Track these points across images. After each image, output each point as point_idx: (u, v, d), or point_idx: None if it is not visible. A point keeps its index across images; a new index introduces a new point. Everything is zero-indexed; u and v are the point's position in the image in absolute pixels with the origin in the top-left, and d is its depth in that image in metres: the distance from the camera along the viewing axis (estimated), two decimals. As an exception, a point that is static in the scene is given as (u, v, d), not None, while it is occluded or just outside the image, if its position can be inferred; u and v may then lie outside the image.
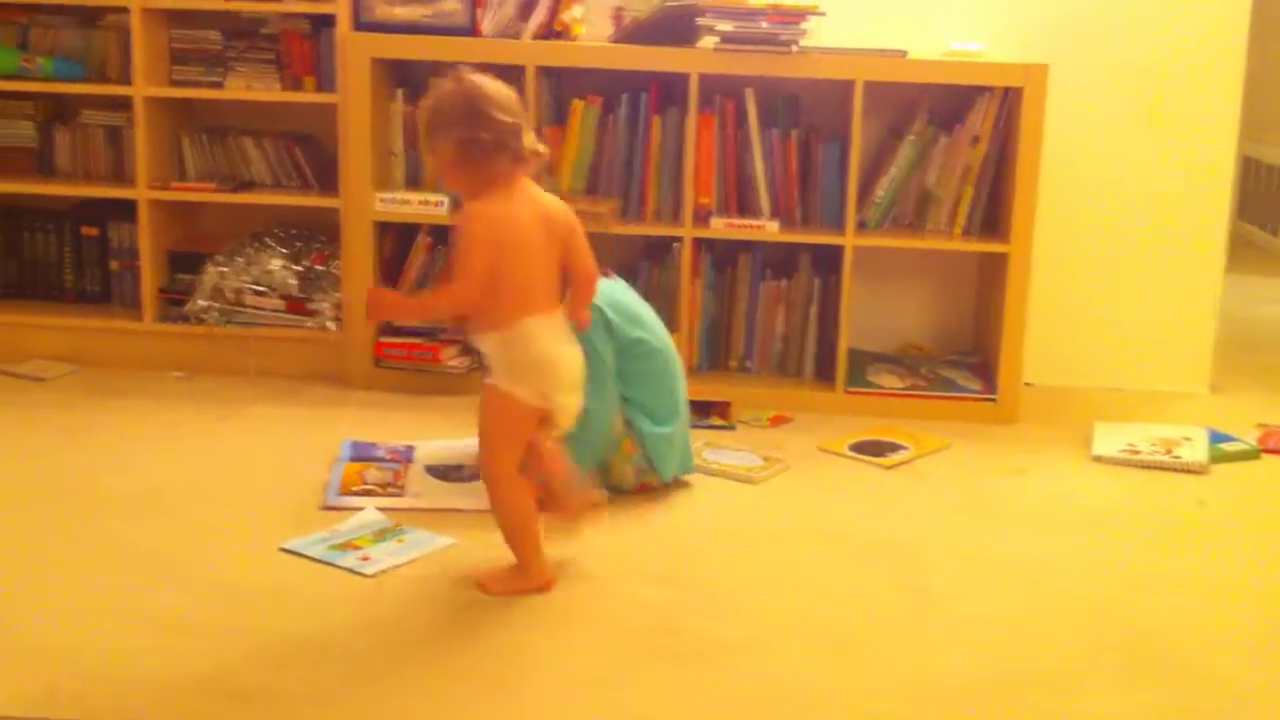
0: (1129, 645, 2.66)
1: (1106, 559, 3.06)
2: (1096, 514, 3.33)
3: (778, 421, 3.90)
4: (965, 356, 4.26)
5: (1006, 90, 3.95)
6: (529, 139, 2.73)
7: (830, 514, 3.27)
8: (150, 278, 4.17)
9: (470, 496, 3.20)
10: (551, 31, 4.03)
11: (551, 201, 2.80)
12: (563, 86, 4.14)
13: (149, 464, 3.41)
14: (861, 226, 4.02)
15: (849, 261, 3.94)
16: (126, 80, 4.13)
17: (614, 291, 3.25)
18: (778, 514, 3.26)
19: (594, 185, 4.11)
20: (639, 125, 4.05)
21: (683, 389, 3.39)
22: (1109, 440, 3.76)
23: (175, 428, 3.68)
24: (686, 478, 3.41)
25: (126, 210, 4.20)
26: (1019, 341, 3.93)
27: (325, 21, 4.08)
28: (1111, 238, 4.24)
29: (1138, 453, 3.68)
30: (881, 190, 4.05)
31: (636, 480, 3.30)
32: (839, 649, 2.60)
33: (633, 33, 4.00)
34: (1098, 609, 2.81)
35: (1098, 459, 3.68)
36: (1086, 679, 2.53)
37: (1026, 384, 4.05)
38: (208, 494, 3.24)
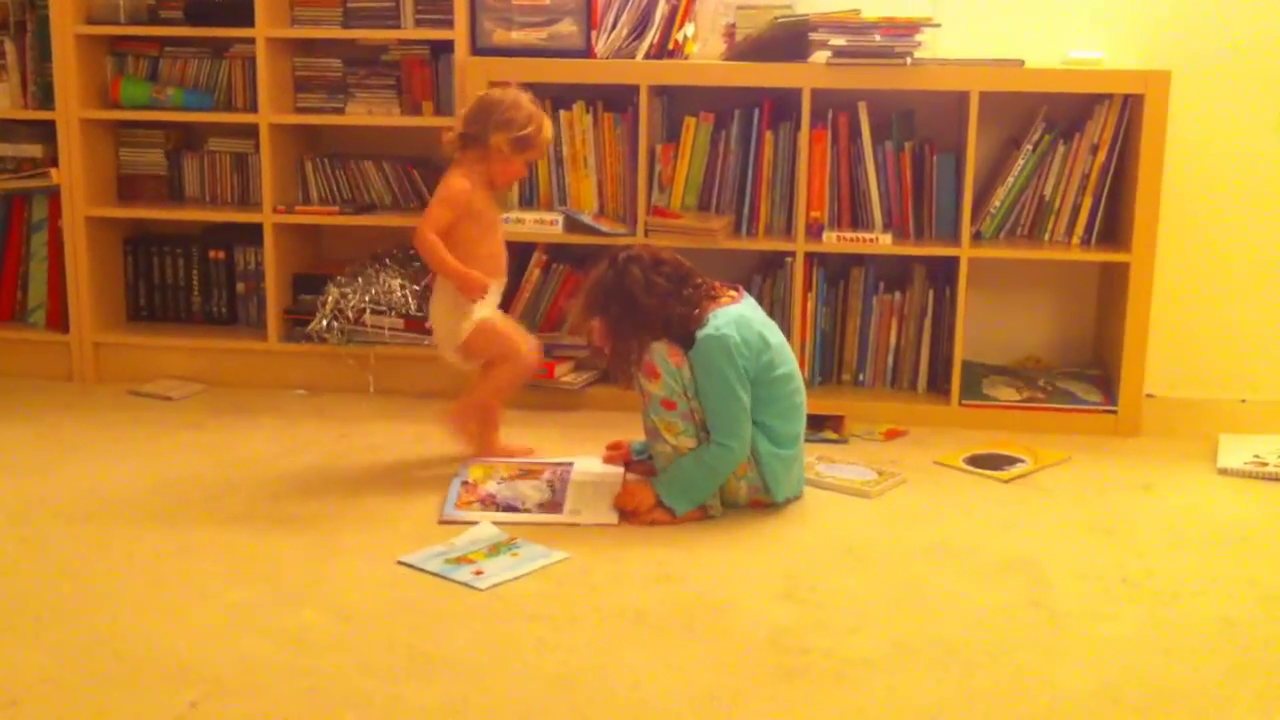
0: (1270, 665, 2.60)
1: (1238, 575, 2.99)
2: (1225, 528, 3.26)
3: (892, 435, 3.87)
4: (1085, 368, 4.19)
5: (1127, 98, 3.89)
6: None
7: (950, 529, 3.23)
8: (275, 299, 4.28)
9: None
10: (664, 50, 4.06)
11: None
12: (676, 104, 4.16)
13: (273, 481, 3.49)
14: (977, 238, 3.99)
15: (964, 273, 3.91)
16: (252, 108, 4.25)
17: (739, 321, 3.24)
18: (896, 529, 3.23)
19: (707, 201, 4.12)
20: (751, 141, 4.06)
21: (804, 411, 3.38)
22: (1234, 452, 3.68)
23: (299, 445, 3.77)
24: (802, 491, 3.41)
25: (252, 234, 4.31)
26: (1141, 352, 3.86)
27: (444, 47, 4.16)
28: (1235, 246, 4.15)
29: (1265, 464, 3.59)
30: (998, 201, 4.01)
31: (749, 497, 3.30)
32: (969, 668, 2.57)
33: (745, 49, 4.01)
34: (1234, 627, 2.74)
35: (1223, 471, 3.60)
36: (1227, 700, 2.47)
37: (1148, 395, 3.97)
38: (330, 509, 3.31)
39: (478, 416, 3.61)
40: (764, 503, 3.31)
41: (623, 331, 3.28)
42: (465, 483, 3.41)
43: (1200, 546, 3.15)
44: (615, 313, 3.28)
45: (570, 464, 3.54)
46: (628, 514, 3.23)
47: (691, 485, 3.22)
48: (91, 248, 4.31)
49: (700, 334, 3.19)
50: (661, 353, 3.20)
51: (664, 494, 3.21)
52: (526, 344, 3.61)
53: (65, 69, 4.20)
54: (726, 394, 3.18)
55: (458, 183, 3.48)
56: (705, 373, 3.18)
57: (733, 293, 3.35)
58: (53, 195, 4.32)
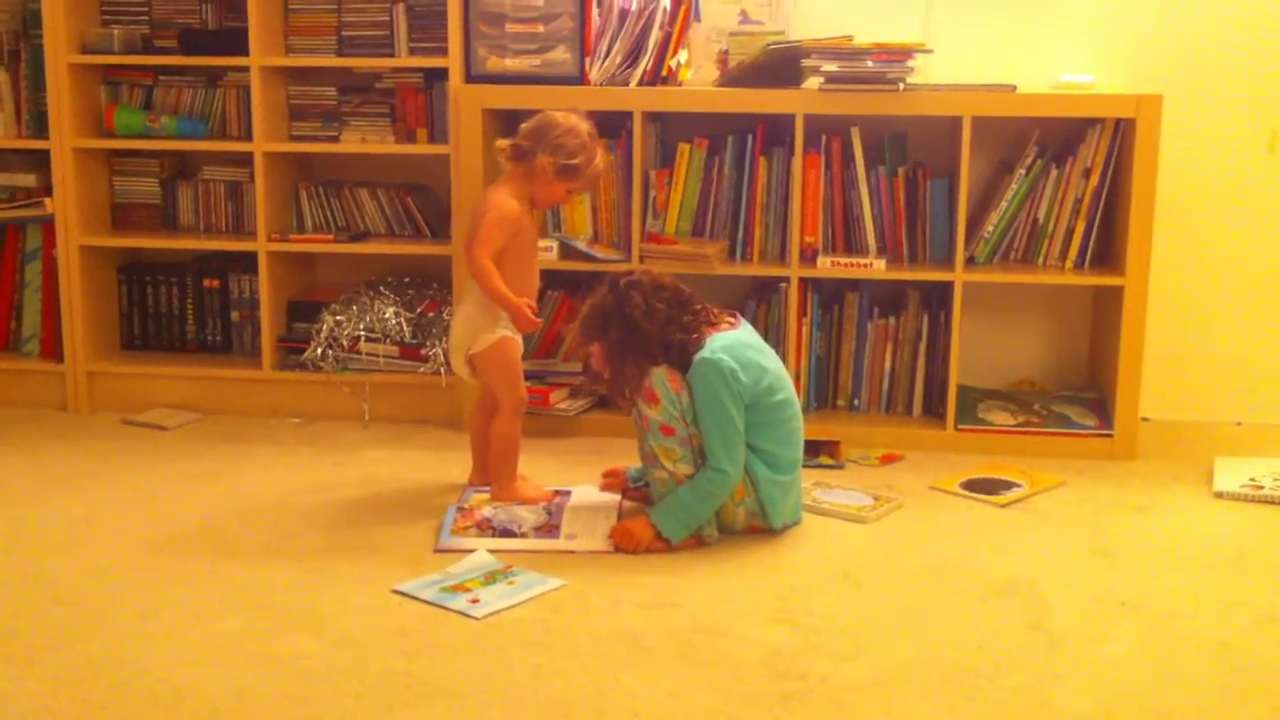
0: (1267, 687, 2.59)
1: (1235, 597, 2.99)
2: (1221, 551, 3.26)
3: (887, 460, 3.87)
4: (1080, 392, 4.19)
5: (1119, 122, 3.91)
6: None
7: (946, 553, 3.23)
8: (269, 327, 4.28)
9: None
10: (658, 77, 4.07)
11: None
12: (669, 130, 4.18)
13: (269, 509, 3.48)
14: (971, 262, 3.99)
15: (958, 297, 3.91)
16: (247, 136, 4.25)
17: (736, 346, 3.25)
18: (892, 553, 3.23)
19: (701, 227, 4.12)
20: (745, 167, 4.07)
21: (801, 437, 3.38)
22: (1230, 475, 3.68)
23: (294, 473, 3.76)
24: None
25: (247, 262, 4.31)
26: (1136, 376, 3.86)
27: (438, 75, 4.16)
28: (1229, 268, 4.16)
29: (1260, 488, 3.59)
30: (991, 225, 4.01)
31: (746, 522, 3.30)
32: (967, 691, 2.56)
33: (738, 76, 4.03)
34: (1230, 649, 2.74)
35: (1219, 495, 3.60)
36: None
37: (1144, 419, 3.96)
38: (325, 537, 3.30)
39: (495, 470, 3.55)
40: (761, 528, 3.30)
41: (622, 356, 3.28)
42: (462, 508, 3.41)
43: (1197, 569, 3.15)
44: (615, 337, 3.28)
45: (568, 492, 3.53)
46: (624, 549, 3.22)
47: (687, 513, 3.21)
48: (85, 277, 4.31)
49: (697, 358, 3.20)
50: (661, 378, 3.20)
51: (660, 524, 3.21)
52: (523, 384, 3.56)
53: (59, 98, 4.21)
54: (722, 418, 3.18)
55: (509, 204, 3.43)
56: (701, 397, 3.18)
57: (730, 319, 3.36)
58: (47, 224, 4.31)
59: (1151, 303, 3.87)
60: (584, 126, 3.45)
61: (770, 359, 3.33)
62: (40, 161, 4.30)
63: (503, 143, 3.51)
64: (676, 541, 3.20)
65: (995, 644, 2.75)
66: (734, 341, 3.26)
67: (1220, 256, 4.16)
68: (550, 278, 4.10)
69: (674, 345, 3.24)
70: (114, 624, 2.82)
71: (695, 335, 3.25)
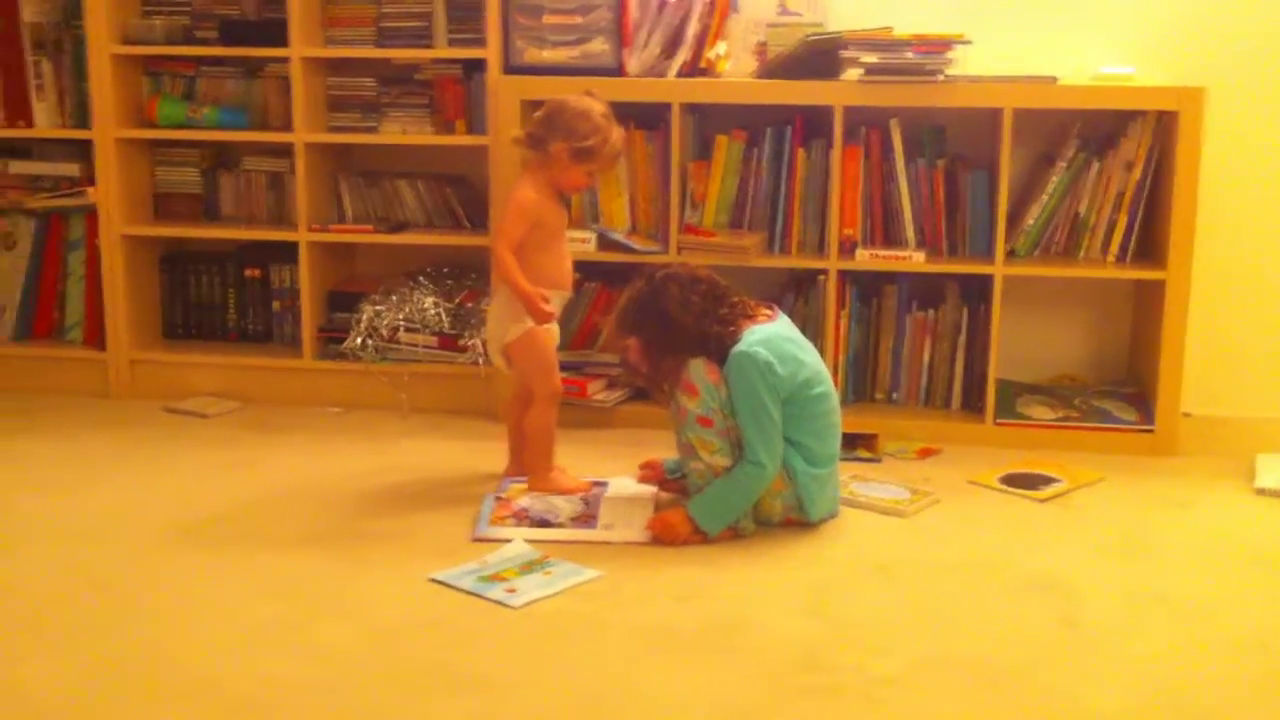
0: (1302, 683, 2.57)
1: (1273, 595, 2.97)
2: (1261, 548, 3.23)
3: (925, 454, 3.85)
4: (1120, 387, 4.16)
5: (1161, 114, 3.87)
6: None
7: (984, 548, 3.22)
8: (310, 317, 4.30)
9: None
10: (696, 69, 4.06)
11: None
12: (707, 122, 4.17)
13: (306, 497, 3.50)
14: (1011, 255, 3.97)
15: (998, 291, 3.89)
16: (287, 127, 4.27)
17: (774, 339, 3.24)
18: (929, 547, 3.22)
19: (739, 219, 4.12)
20: (783, 159, 4.06)
21: (839, 431, 3.37)
22: (1272, 472, 3.64)
23: (332, 462, 3.78)
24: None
25: (287, 252, 4.34)
26: (1177, 371, 3.83)
27: (476, 66, 4.17)
28: (1272, 262, 4.10)
29: (1303, 485, 3.57)
30: (1032, 218, 3.99)
31: (783, 515, 3.29)
32: (1000, 686, 2.55)
33: (776, 67, 4.01)
34: (1268, 647, 2.72)
35: (1261, 491, 3.57)
36: (1260, 717, 2.45)
37: (1185, 414, 3.93)
38: (362, 526, 3.32)
39: (531, 460, 3.56)
40: (798, 521, 3.30)
41: (660, 349, 3.29)
42: (499, 498, 3.42)
43: (1235, 566, 3.12)
44: (652, 331, 3.28)
45: (605, 483, 3.54)
46: (662, 541, 3.22)
47: (725, 506, 3.21)
48: (128, 266, 4.35)
49: (734, 351, 3.19)
50: (700, 370, 3.20)
51: (698, 516, 3.20)
52: (555, 375, 3.55)
53: (102, 88, 4.24)
54: (759, 412, 3.17)
55: (526, 194, 3.44)
56: (738, 390, 3.18)
57: (768, 311, 3.35)
58: (89, 214, 4.36)
59: (1193, 297, 3.84)
60: (597, 108, 3.44)
61: (808, 352, 3.32)
62: (83, 151, 4.34)
63: (517, 133, 3.53)
64: (714, 534, 3.20)
65: (1029, 640, 2.74)
66: (771, 334, 3.25)
67: (1263, 250, 4.10)
68: (588, 269, 4.11)
69: (711, 337, 3.23)
70: (149, 611, 2.84)
71: (732, 328, 3.24)
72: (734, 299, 3.31)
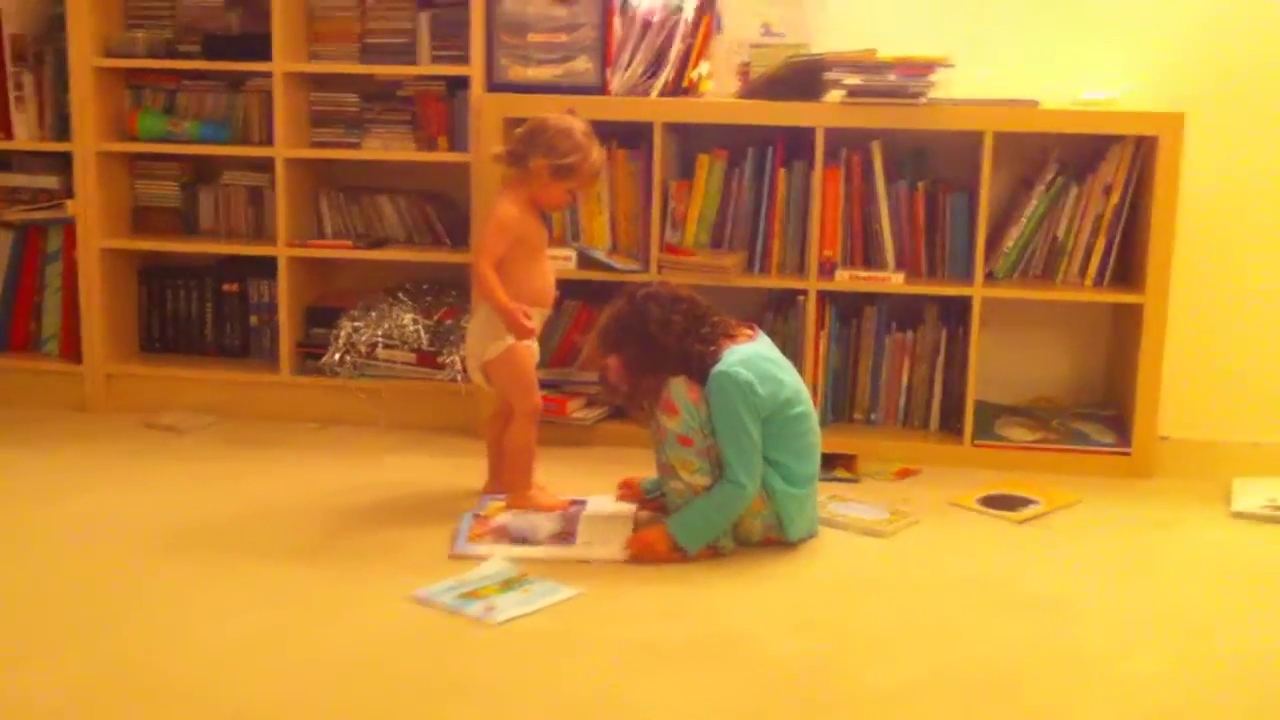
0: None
1: (1259, 615, 2.99)
2: (1242, 570, 3.25)
3: (904, 474, 3.86)
4: (1098, 409, 4.17)
5: (1140, 139, 3.90)
6: None
7: (965, 568, 3.22)
8: (288, 332, 4.29)
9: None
10: (679, 88, 4.08)
11: None
12: (689, 141, 4.18)
13: (286, 512, 3.49)
14: (990, 277, 3.99)
15: (977, 313, 3.91)
16: (268, 142, 4.27)
17: (754, 359, 3.25)
18: (911, 567, 3.23)
19: (719, 239, 4.13)
20: (765, 179, 4.07)
21: (819, 451, 3.37)
22: (1249, 496, 3.66)
23: (310, 477, 3.77)
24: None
25: (266, 267, 4.32)
26: (1154, 394, 3.85)
27: (460, 83, 4.18)
28: (1249, 287, 4.12)
29: (1279, 509, 3.58)
30: (1011, 241, 4.01)
31: (763, 534, 3.29)
32: (988, 706, 2.55)
33: (759, 88, 4.03)
34: (1257, 665, 2.73)
35: (1238, 515, 3.58)
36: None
37: (1162, 437, 3.95)
38: (341, 542, 3.30)
39: (510, 476, 3.56)
40: (777, 540, 3.30)
41: (640, 368, 3.29)
42: (478, 515, 3.41)
43: (1217, 586, 3.14)
44: (633, 350, 3.29)
45: (584, 502, 3.53)
46: (641, 559, 3.21)
47: (705, 524, 3.21)
48: (106, 279, 4.33)
49: (714, 371, 3.20)
50: (680, 389, 3.20)
51: (678, 534, 3.20)
52: (535, 393, 3.54)
53: (83, 101, 4.23)
54: (739, 432, 3.17)
55: (508, 210, 3.45)
56: (718, 409, 3.18)
57: (748, 331, 3.36)
58: (68, 226, 4.34)
59: (1171, 320, 3.86)
60: (578, 126, 3.46)
61: (788, 372, 3.32)
62: (62, 164, 4.32)
63: (497, 149, 3.54)
64: (693, 552, 3.20)
65: (1016, 658, 2.75)
66: (751, 354, 3.26)
67: (1241, 275, 4.13)
68: (568, 287, 4.10)
69: (692, 357, 3.24)
70: (133, 624, 2.82)
71: (713, 348, 3.24)
72: (715, 318, 3.31)
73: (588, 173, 3.49)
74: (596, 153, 3.48)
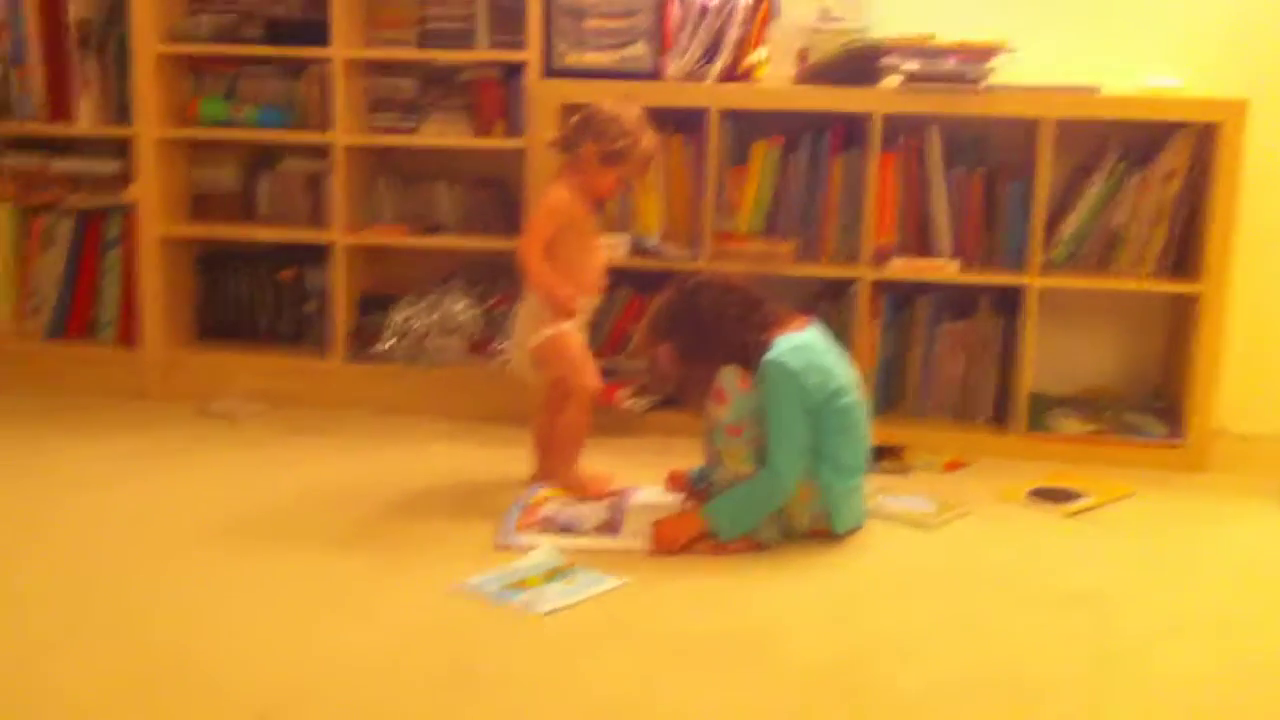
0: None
1: (1303, 614, 2.94)
2: (1291, 567, 3.20)
3: (953, 466, 3.83)
4: (1152, 401, 4.12)
5: (1202, 126, 3.83)
6: None
7: (1012, 562, 3.19)
8: (342, 319, 4.32)
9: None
10: (735, 74, 4.06)
11: None
12: (745, 128, 4.15)
13: (335, 501, 3.52)
14: (1046, 266, 3.94)
15: (1032, 302, 3.86)
16: (327, 127, 4.29)
17: (805, 349, 3.23)
18: (956, 561, 3.20)
19: (773, 225, 4.11)
20: (820, 165, 4.04)
21: (869, 443, 3.36)
22: (1305, 490, 3.61)
23: (360, 465, 3.80)
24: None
25: (322, 254, 4.36)
26: (1211, 386, 3.80)
27: (516, 69, 4.18)
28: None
29: (1337, 504, 3.53)
30: (1068, 229, 3.96)
31: (810, 526, 3.27)
32: (1026, 704, 2.53)
33: (816, 73, 4.00)
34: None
35: (1293, 509, 3.54)
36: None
37: (1217, 430, 3.90)
38: (389, 530, 3.33)
39: (558, 457, 3.58)
40: (824, 531, 3.29)
41: (692, 357, 3.29)
42: (525, 505, 3.42)
43: (1266, 584, 3.10)
44: (685, 339, 3.29)
45: (631, 490, 3.54)
46: (662, 547, 3.20)
47: (739, 511, 3.20)
48: (164, 265, 4.38)
49: (765, 359, 3.19)
50: (731, 378, 3.20)
51: (711, 519, 3.20)
52: (590, 373, 3.55)
53: (145, 87, 4.27)
54: (785, 421, 3.16)
55: (559, 193, 3.47)
56: (768, 398, 3.17)
57: (801, 320, 3.34)
58: (127, 212, 4.39)
59: (1229, 312, 3.80)
60: (630, 112, 3.46)
61: (839, 362, 3.31)
62: (122, 150, 4.37)
63: (551, 135, 3.54)
64: (726, 539, 3.19)
65: (1059, 655, 2.72)
66: (803, 343, 3.24)
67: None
68: (620, 275, 4.10)
69: (744, 346, 3.23)
70: (180, 613, 2.85)
71: (765, 336, 3.23)
72: (767, 307, 3.30)
73: (637, 159, 3.48)
74: (647, 140, 3.47)
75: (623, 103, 3.50)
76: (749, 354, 3.23)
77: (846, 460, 3.27)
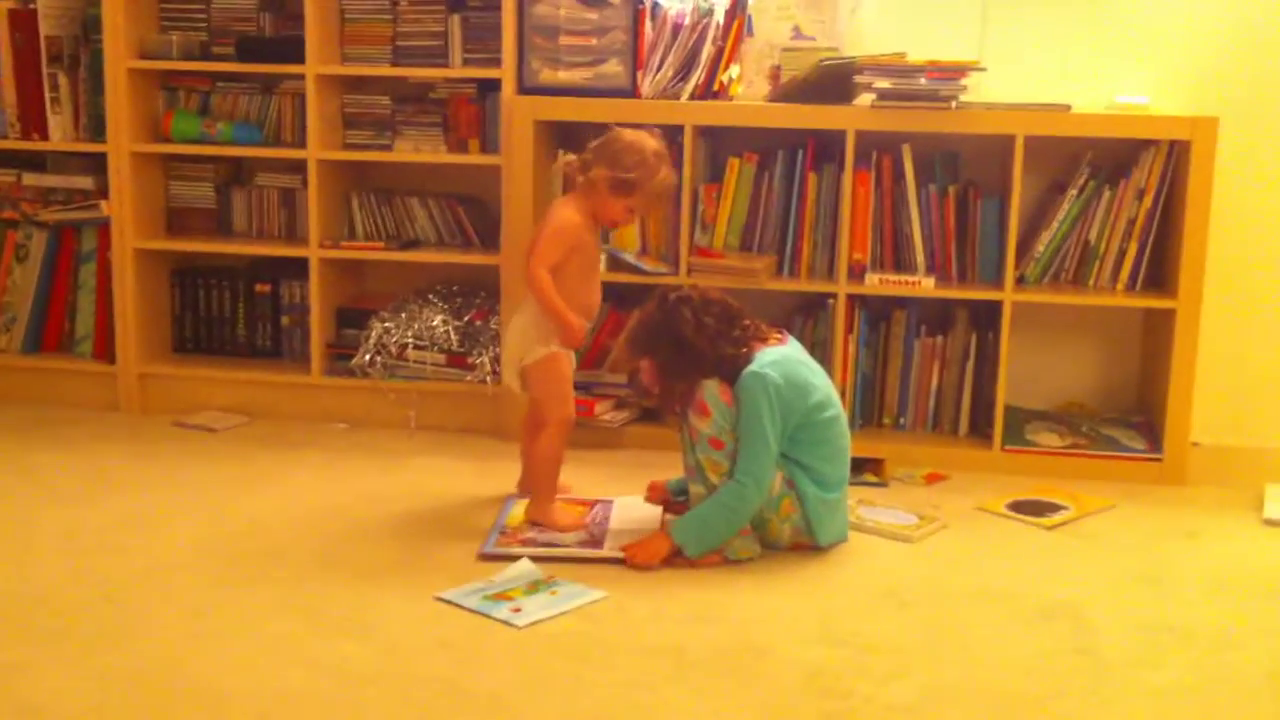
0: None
1: (1286, 627, 2.96)
2: (1272, 579, 3.22)
3: (932, 479, 3.85)
4: (1129, 415, 4.15)
5: (1173, 143, 3.88)
6: None
7: (992, 575, 3.21)
8: (319, 333, 4.31)
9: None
10: (709, 91, 4.08)
11: None
12: (720, 144, 4.18)
13: (315, 514, 3.51)
14: (1021, 282, 3.97)
15: (1007, 317, 3.89)
16: (301, 144, 4.29)
17: (784, 362, 3.25)
18: (937, 574, 3.21)
19: (749, 242, 4.13)
20: (795, 182, 4.06)
21: (848, 456, 3.37)
22: (1281, 503, 3.64)
23: (340, 479, 3.79)
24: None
25: (298, 268, 4.34)
26: (1187, 399, 3.83)
27: (491, 86, 4.19)
28: (1283, 292, 4.11)
29: (1313, 516, 3.56)
30: (1042, 245, 3.99)
31: (792, 539, 3.28)
32: (1011, 716, 2.54)
33: (790, 91, 4.02)
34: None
35: (1269, 522, 3.56)
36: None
37: (1194, 443, 3.93)
38: (369, 543, 3.32)
39: (534, 489, 3.52)
40: (806, 545, 3.29)
41: (672, 372, 3.29)
42: (504, 530, 3.38)
43: (1246, 596, 3.12)
44: (664, 353, 3.29)
45: (611, 502, 3.54)
46: (636, 563, 3.20)
47: (707, 528, 3.20)
48: (139, 279, 4.36)
49: (745, 372, 3.20)
50: (713, 391, 3.20)
51: (678, 535, 3.20)
52: (571, 404, 3.51)
53: (117, 102, 4.26)
54: (757, 432, 3.17)
55: (569, 215, 3.43)
56: (745, 409, 3.18)
57: (778, 335, 3.36)
58: (102, 227, 4.37)
59: (1203, 326, 3.84)
60: (650, 145, 3.41)
61: (819, 375, 3.32)
62: (97, 165, 4.35)
63: (570, 157, 3.51)
64: (694, 555, 3.19)
65: (1041, 668, 2.73)
66: (783, 357, 3.26)
67: (1274, 280, 4.10)
68: (598, 290, 4.13)
69: (723, 360, 3.24)
70: (162, 625, 2.84)
71: (745, 350, 3.25)
72: (746, 321, 3.31)
73: (649, 192, 3.42)
74: (664, 174, 3.42)
75: (645, 134, 3.45)
76: (729, 368, 3.23)
77: (828, 473, 3.28)
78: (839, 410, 3.32)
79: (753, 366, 3.21)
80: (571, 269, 3.42)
